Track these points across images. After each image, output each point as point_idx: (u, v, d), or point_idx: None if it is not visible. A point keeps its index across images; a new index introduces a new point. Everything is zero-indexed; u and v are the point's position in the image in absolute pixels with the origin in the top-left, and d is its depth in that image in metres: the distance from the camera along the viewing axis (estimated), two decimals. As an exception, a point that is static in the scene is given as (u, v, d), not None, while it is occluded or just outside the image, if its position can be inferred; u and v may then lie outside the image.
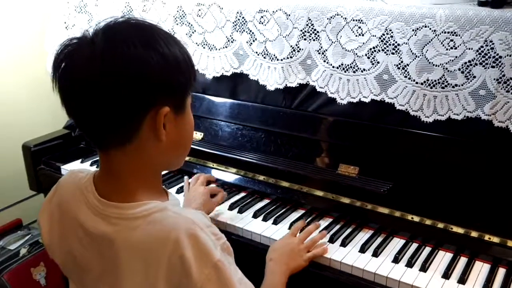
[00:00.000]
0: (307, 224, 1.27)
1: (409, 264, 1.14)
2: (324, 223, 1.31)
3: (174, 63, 0.78)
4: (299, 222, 1.27)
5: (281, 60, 1.46)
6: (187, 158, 1.56)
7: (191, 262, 0.74)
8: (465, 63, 1.21)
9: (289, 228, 1.28)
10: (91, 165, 1.67)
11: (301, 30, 1.41)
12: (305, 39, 1.41)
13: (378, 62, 1.32)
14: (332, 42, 1.37)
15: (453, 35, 1.20)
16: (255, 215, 1.34)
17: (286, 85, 1.48)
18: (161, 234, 0.76)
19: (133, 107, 0.76)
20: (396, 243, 1.23)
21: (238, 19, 1.51)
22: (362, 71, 1.35)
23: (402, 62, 1.28)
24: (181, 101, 0.82)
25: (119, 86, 0.74)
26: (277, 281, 1.08)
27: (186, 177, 1.43)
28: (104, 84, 0.74)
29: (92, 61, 0.74)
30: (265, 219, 1.32)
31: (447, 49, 1.22)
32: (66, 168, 1.65)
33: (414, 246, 1.21)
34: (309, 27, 1.39)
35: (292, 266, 1.13)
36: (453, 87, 1.24)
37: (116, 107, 0.75)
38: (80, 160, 1.70)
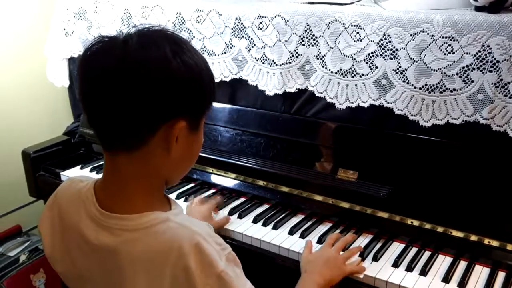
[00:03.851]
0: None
1: (409, 268, 1.14)
2: (323, 227, 1.32)
3: (199, 78, 0.79)
4: (334, 234, 1.25)
5: (280, 65, 1.47)
6: (186, 164, 1.57)
7: (195, 273, 0.74)
8: (463, 67, 1.21)
9: (289, 233, 1.29)
10: (91, 171, 1.67)
11: (300, 36, 1.42)
12: (303, 45, 1.42)
13: (377, 67, 1.32)
14: (331, 47, 1.38)
15: (450, 40, 1.21)
16: (255, 220, 1.35)
17: (285, 90, 1.48)
18: (164, 245, 0.76)
19: (152, 114, 0.75)
20: (396, 247, 1.23)
21: (237, 25, 1.52)
22: (360, 76, 1.35)
23: (400, 67, 1.29)
24: (198, 119, 0.82)
25: (144, 91, 0.73)
26: None
27: (193, 198, 1.42)
28: (130, 85, 0.73)
29: (122, 62, 0.74)
30: (265, 224, 1.33)
31: (445, 54, 1.22)
32: (66, 174, 1.65)
33: (414, 250, 1.21)
34: (308, 32, 1.40)
35: (329, 276, 1.09)
36: (451, 91, 1.24)
37: (136, 111, 0.74)
38: (79, 166, 1.70)
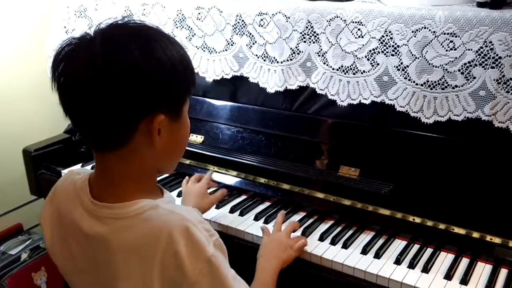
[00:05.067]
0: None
1: (411, 266, 1.14)
2: (325, 225, 1.31)
3: (171, 71, 0.78)
4: (279, 217, 1.27)
5: (281, 62, 1.46)
6: (187, 161, 1.57)
7: (184, 258, 0.75)
8: (465, 64, 1.21)
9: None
10: (92, 169, 1.66)
11: (301, 33, 1.41)
12: (304, 42, 1.42)
13: (378, 64, 1.32)
14: (332, 44, 1.37)
15: (452, 36, 1.20)
16: (256, 218, 1.34)
17: (286, 87, 1.48)
18: (154, 232, 0.77)
19: (127, 114, 0.76)
20: (398, 244, 1.23)
21: (238, 22, 1.51)
22: (362, 73, 1.35)
23: (402, 63, 1.28)
24: (178, 108, 0.83)
25: (113, 93, 0.74)
26: (267, 277, 1.07)
27: (186, 178, 1.43)
28: (100, 88, 0.73)
29: (89, 64, 0.74)
30: (266, 222, 1.32)
31: (446, 50, 1.22)
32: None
33: (416, 247, 1.21)
34: (309, 29, 1.40)
35: (283, 258, 1.13)
36: (453, 88, 1.24)
37: (110, 112, 0.75)
38: (80, 165, 1.70)
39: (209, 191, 1.38)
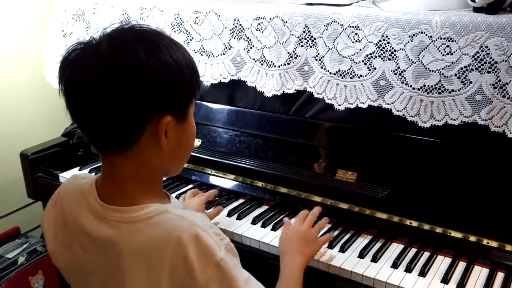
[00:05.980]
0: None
1: (408, 269, 1.14)
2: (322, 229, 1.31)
3: (177, 74, 0.79)
4: (303, 211, 1.24)
5: (279, 66, 1.47)
6: (185, 165, 1.57)
7: (193, 263, 0.75)
8: (461, 68, 1.21)
9: (288, 234, 1.28)
10: (90, 172, 1.66)
11: (298, 37, 1.42)
12: (302, 46, 1.42)
13: (375, 68, 1.32)
14: (329, 48, 1.38)
15: (449, 41, 1.21)
16: (253, 222, 1.35)
17: (283, 91, 1.48)
18: (163, 236, 0.77)
19: (134, 116, 0.77)
20: (395, 248, 1.23)
21: (236, 26, 1.52)
22: (359, 77, 1.35)
23: (398, 68, 1.29)
24: (184, 110, 0.83)
25: (120, 95, 0.75)
26: (293, 274, 1.05)
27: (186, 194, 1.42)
28: (107, 91, 0.74)
29: (96, 67, 0.75)
30: (264, 225, 1.33)
31: (443, 55, 1.22)
32: (65, 176, 1.65)
33: (413, 251, 1.21)
34: (306, 33, 1.40)
35: (309, 253, 1.11)
36: (449, 92, 1.25)
37: (118, 114, 0.76)
38: (78, 168, 1.70)
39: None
